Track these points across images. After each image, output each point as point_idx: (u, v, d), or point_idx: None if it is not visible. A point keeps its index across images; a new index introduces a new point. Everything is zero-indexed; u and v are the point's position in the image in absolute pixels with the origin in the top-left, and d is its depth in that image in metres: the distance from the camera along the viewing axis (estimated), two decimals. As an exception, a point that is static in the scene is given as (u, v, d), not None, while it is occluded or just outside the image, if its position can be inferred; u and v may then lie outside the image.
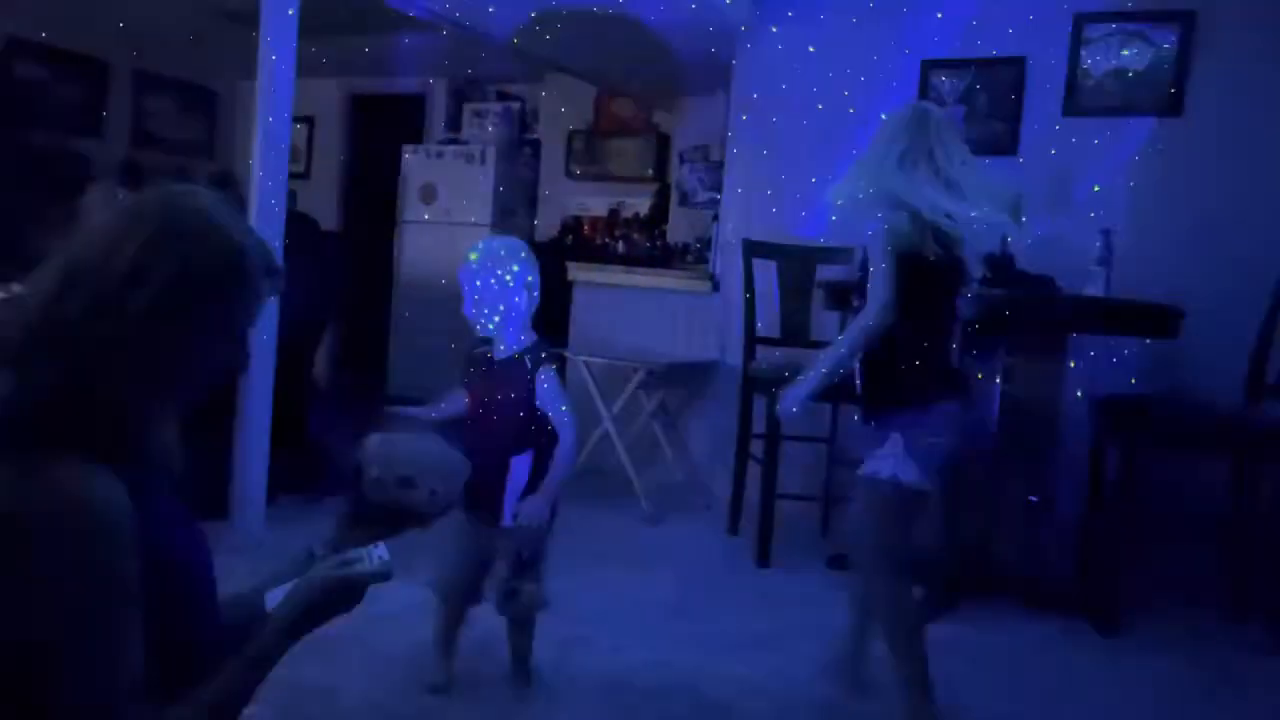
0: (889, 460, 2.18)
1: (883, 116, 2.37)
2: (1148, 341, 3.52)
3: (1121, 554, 3.15)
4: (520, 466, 2.22)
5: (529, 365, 2.24)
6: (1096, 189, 3.72)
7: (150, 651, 0.96)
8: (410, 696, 2.31)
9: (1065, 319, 3.18)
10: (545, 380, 2.23)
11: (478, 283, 2.24)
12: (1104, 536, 3.28)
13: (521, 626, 2.39)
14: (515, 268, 2.25)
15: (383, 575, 1.15)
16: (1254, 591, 3.20)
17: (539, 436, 2.24)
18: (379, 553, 1.16)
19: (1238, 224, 3.52)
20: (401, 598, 2.80)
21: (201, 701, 1.01)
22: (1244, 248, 3.49)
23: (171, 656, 0.99)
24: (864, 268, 2.28)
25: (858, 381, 2.34)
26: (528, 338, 2.30)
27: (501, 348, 2.29)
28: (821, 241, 4.03)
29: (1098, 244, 3.28)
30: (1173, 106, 3.67)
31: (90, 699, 0.92)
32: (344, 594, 1.16)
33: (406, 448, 1.25)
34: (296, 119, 3.57)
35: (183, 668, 1.00)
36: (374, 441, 1.26)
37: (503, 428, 2.23)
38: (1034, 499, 3.36)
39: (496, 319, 2.24)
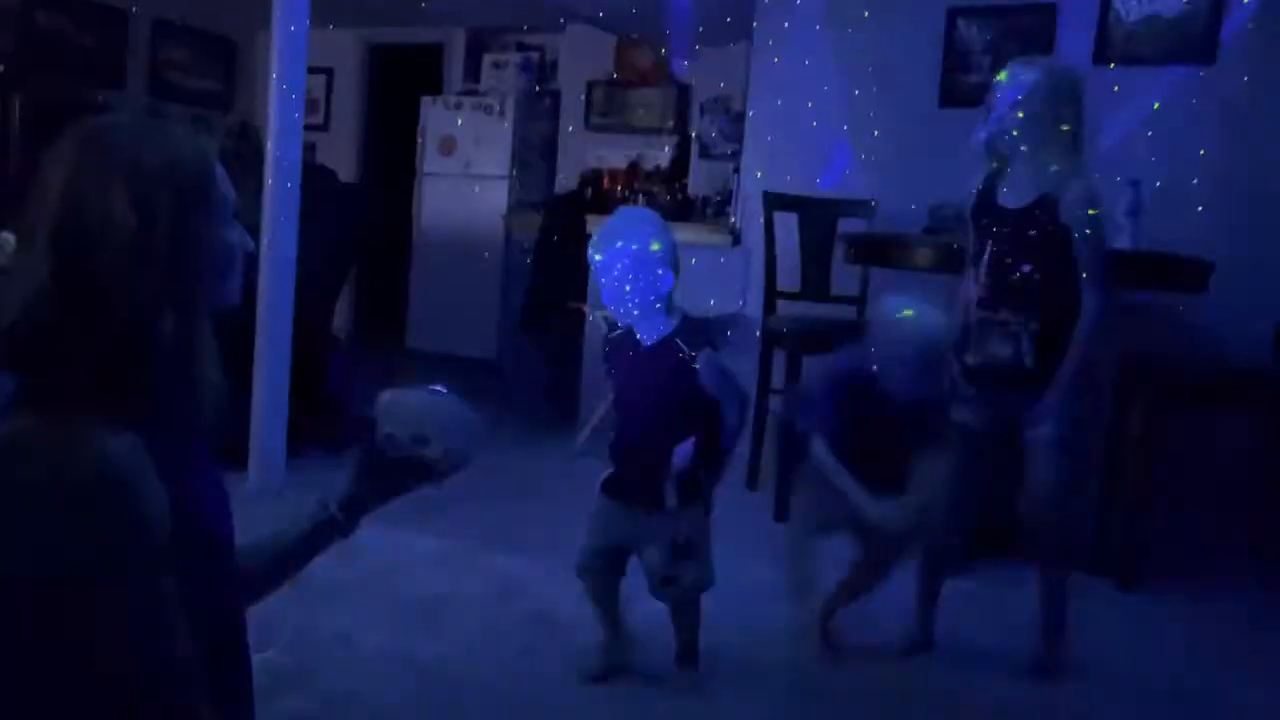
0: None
1: (1029, 74, 2.27)
2: (1176, 297, 3.46)
3: (1144, 510, 3.13)
4: (681, 453, 2.05)
5: (684, 350, 2.06)
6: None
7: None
8: (426, 643, 2.33)
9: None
10: (706, 364, 2.05)
11: (616, 269, 2.04)
12: (1126, 493, 3.25)
13: (683, 610, 2.22)
14: (655, 246, 2.05)
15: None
16: (1276, 548, 3.17)
17: (700, 420, 2.07)
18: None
19: (1270, 177, 3.44)
20: (416, 548, 2.84)
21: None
22: (1277, 201, 3.41)
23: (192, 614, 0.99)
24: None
25: (1025, 352, 2.27)
26: (675, 318, 2.13)
27: (648, 334, 2.11)
28: (842, 195, 3.98)
29: (1127, 196, 3.22)
30: (1206, 55, 3.58)
31: (153, 656, 0.93)
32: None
33: (421, 404, 1.24)
34: (314, 70, 3.55)
35: (201, 625, 1.00)
36: (387, 397, 1.24)
37: (660, 418, 2.08)
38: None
39: (640, 305, 2.06)
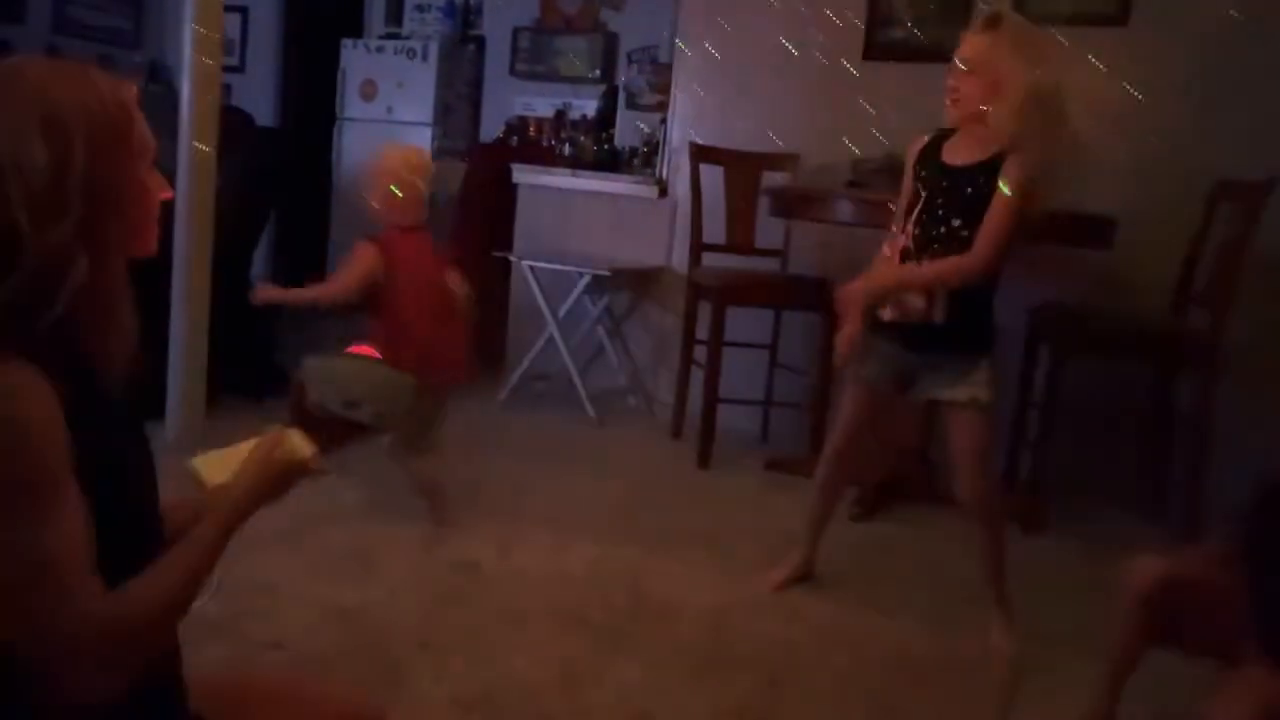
0: (986, 386, 2.30)
1: (984, 37, 2.26)
2: (1083, 252, 3.58)
3: (1048, 457, 3.27)
4: None
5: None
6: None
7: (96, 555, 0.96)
8: (350, 591, 2.35)
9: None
10: None
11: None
12: (1032, 440, 3.39)
13: None
14: None
15: (320, 473, 1.17)
16: (1172, 494, 3.34)
17: None
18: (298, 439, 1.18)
19: (1177, 136, 3.57)
20: (340, 498, 2.84)
21: (151, 582, 1.00)
22: (1183, 161, 3.54)
23: (114, 561, 0.99)
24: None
25: (937, 309, 2.31)
26: None
27: None
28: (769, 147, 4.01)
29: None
30: (1119, 17, 3.67)
31: (27, 583, 0.92)
32: (283, 478, 1.18)
33: (349, 372, 1.25)
34: (230, 9, 3.44)
35: (125, 572, 1.00)
36: (314, 365, 1.25)
37: None
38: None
39: None
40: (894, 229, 2.43)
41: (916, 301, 2.31)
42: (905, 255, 2.34)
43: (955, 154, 2.34)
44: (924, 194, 2.34)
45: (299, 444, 1.18)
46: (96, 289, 0.99)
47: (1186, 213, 3.41)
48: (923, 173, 2.37)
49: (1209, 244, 3.36)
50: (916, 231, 2.33)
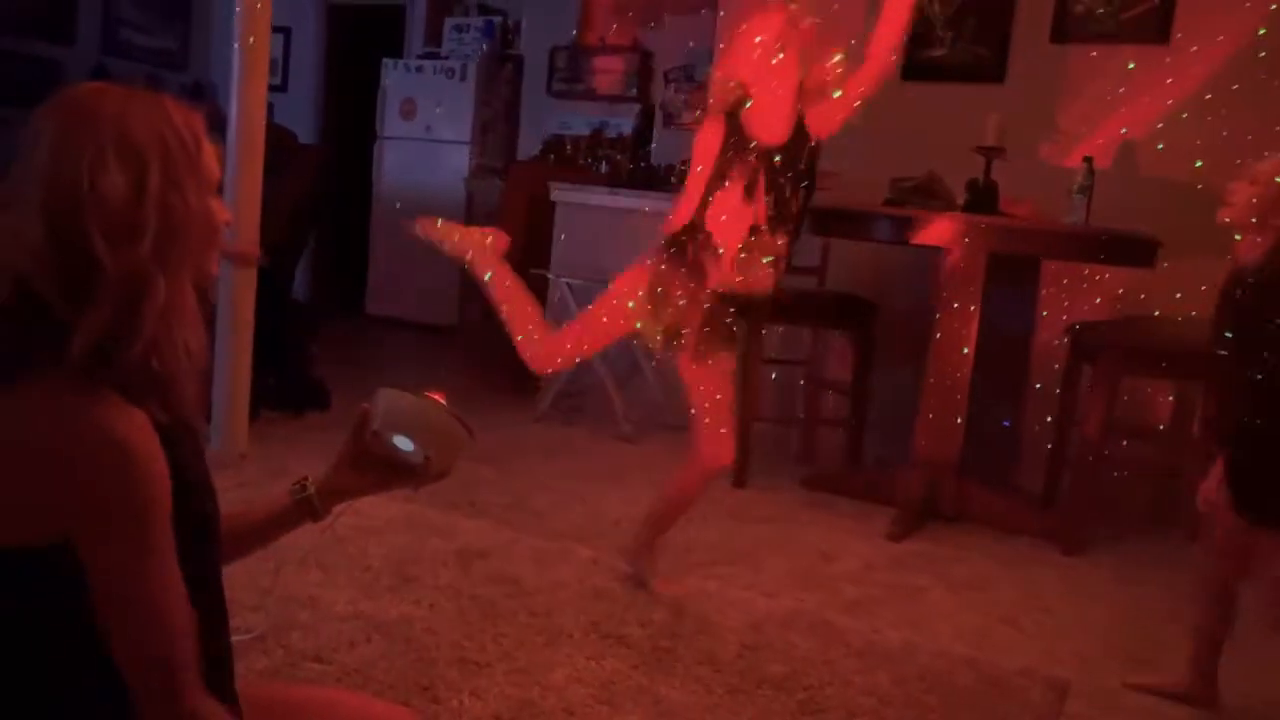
0: None
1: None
2: (1123, 271, 3.56)
3: (1089, 478, 3.24)
4: None
5: None
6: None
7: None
8: (391, 605, 2.37)
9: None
10: None
11: None
12: (1072, 461, 3.36)
13: None
14: None
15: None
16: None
17: None
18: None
19: (1218, 153, 3.53)
20: (380, 513, 2.87)
21: None
22: (1224, 179, 3.50)
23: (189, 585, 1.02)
24: None
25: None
26: None
27: None
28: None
29: (1079, 172, 3.30)
30: (1160, 35, 3.66)
31: (154, 636, 0.96)
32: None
33: (414, 409, 1.26)
34: (273, 30, 3.50)
35: (193, 595, 1.03)
36: (384, 395, 1.26)
37: None
38: (1007, 424, 3.43)
39: None
40: None
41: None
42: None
43: None
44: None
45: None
46: (170, 311, 1.00)
47: (1228, 231, 3.37)
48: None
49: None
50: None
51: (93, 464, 0.93)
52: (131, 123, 1.00)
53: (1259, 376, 2.01)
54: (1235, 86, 3.51)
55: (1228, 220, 2.17)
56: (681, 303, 2.39)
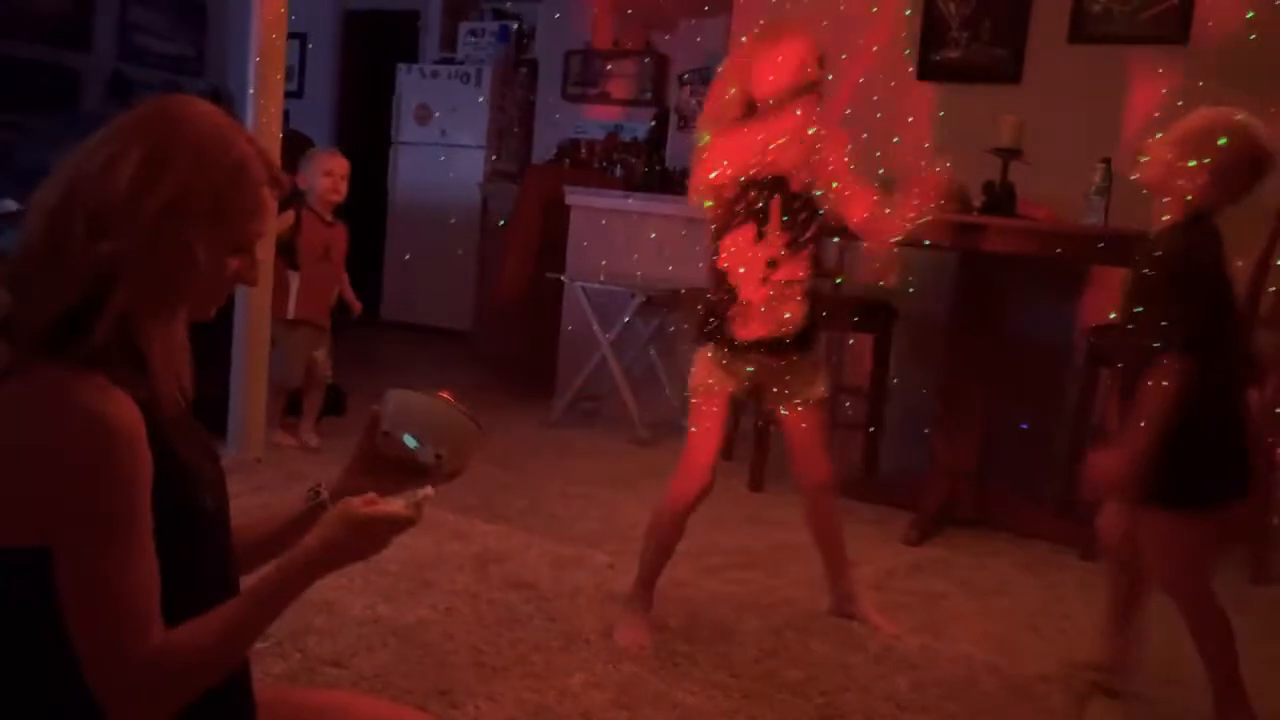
0: None
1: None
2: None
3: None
4: None
5: None
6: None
7: (162, 572, 0.98)
8: (408, 609, 2.36)
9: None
10: None
11: None
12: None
13: None
14: None
15: (409, 521, 1.14)
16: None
17: None
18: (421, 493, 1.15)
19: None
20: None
21: (210, 630, 0.99)
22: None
23: (180, 577, 1.00)
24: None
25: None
26: None
27: None
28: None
29: (1097, 173, 3.27)
30: (1179, 35, 3.62)
31: (105, 618, 0.94)
32: (371, 536, 1.14)
33: (425, 409, 1.24)
34: (289, 35, 3.51)
35: (190, 591, 1.02)
36: (394, 395, 1.25)
37: None
38: (1025, 426, 3.40)
39: None
40: None
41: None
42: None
43: None
44: None
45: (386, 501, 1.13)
46: (143, 334, 1.00)
47: (1250, 235, 3.34)
48: None
49: (1274, 266, 3.29)
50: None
51: (66, 433, 0.92)
52: (182, 136, 1.00)
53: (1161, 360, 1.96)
54: (1255, 86, 3.48)
55: (1136, 178, 2.10)
56: (749, 369, 2.37)
